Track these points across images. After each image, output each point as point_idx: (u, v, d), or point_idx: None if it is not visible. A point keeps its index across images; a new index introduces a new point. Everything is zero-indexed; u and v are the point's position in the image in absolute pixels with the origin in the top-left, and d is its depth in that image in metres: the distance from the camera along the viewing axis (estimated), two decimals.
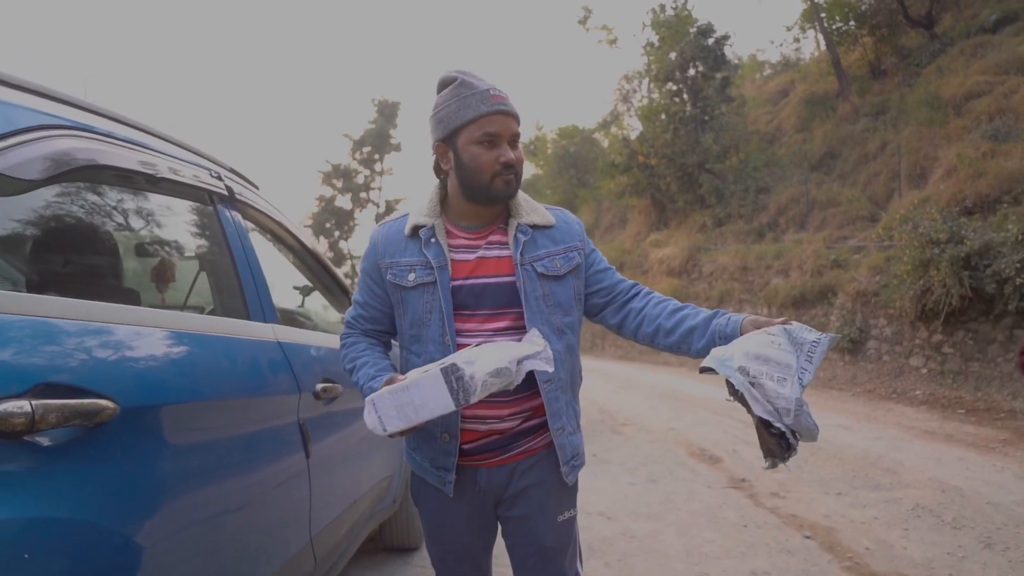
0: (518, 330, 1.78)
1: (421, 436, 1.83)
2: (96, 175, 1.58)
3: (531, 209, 1.88)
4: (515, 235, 1.81)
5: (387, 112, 37.19)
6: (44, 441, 1.14)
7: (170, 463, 1.46)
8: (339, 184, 37.14)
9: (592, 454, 6.24)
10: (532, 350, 1.61)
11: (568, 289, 1.85)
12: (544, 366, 1.61)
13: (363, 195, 37.44)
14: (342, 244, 37.23)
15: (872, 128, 16.06)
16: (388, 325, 1.93)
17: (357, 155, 37.22)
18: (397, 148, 37.42)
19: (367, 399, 1.57)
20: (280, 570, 1.94)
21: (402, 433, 1.57)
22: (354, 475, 2.70)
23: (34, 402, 1.10)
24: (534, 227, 1.84)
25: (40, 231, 1.50)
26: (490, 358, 1.54)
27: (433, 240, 1.78)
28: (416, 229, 1.80)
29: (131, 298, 1.83)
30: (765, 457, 1.55)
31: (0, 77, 1.41)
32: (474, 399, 1.52)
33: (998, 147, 11.27)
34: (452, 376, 1.50)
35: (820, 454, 6.16)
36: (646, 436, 7.53)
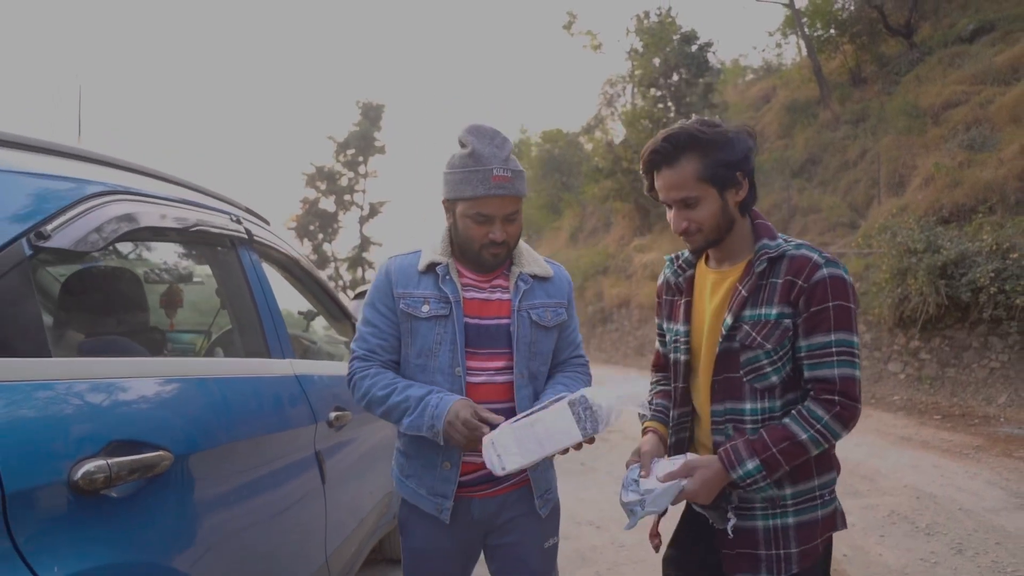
0: (512, 370, 1.93)
1: (419, 464, 1.93)
2: (139, 234, 1.72)
3: (532, 260, 2.03)
4: (516, 282, 1.96)
5: (371, 114, 37.19)
6: (115, 494, 1.27)
7: (211, 501, 1.59)
8: (323, 186, 37.09)
9: (580, 463, 6.39)
10: (637, 390, 1.73)
11: (551, 341, 2.01)
12: (641, 409, 1.75)
13: (347, 197, 37.40)
14: (326, 247, 37.19)
15: (852, 135, 16.31)
16: (398, 355, 1.99)
17: (341, 157, 37.17)
18: (381, 150, 37.41)
19: (485, 439, 1.66)
20: None
21: (519, 471, 1.69)
22: (361, 494, 2.85)
23: (110, 461, 1.23)
24: (534, 277, 2.00)
25: (89, 282, 1.64)
26: (610, 393, 1.67)
27: (448, 277, 1.91)
28: (432, 266, 1.92)
29: (162, 338, 1.97)
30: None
31: (48, 147, 1.53)
32: (601, 429, 1.64)
33: (974, 157, 11.52)
34: (579, 407, 1.61)
35: None
36: (632, 444, 7.64)
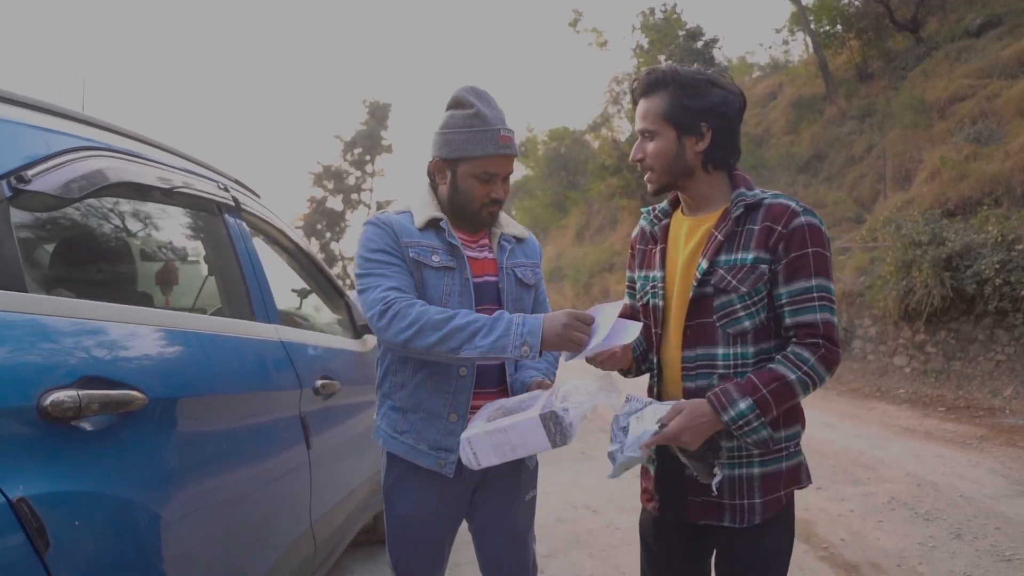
0: None
1: (420, 417, 1.92)
2: (121, 191, 1.74)
3: (508, 222, 2.09)
4: (500, 243, 2.02)
5: (378, 113, 37.28)
6: (87, 426, 1.30)
7: (189, 449, 1.62)
8: (330, 185, 37.20)
9: (580, 451, 6.41)
10: (611, 396, 1.71)
11: (529, 299, 2.07)
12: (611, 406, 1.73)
13: (354, 196, 37.50)
14: (333, 245, 37.28)
15: (858, 131, 16.28)
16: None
17: (348, 156, 37.27)
18: (388, 149, 37.49)
19: (463, 437, 1.69)
20: (284, 551, 2.11)
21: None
22: (350, 467, 2.86)
23: (80, 392, 1.26)
24: (514, 238, 2.07)
25: (74, 241, 1.67)
26: (581, 403, 1.66)
27: (450, 232, 1.93)
28: (435, 221, 1.93)
29: (148, 300, 2.00)
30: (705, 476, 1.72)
31: (37, 104, 1.56)
32: (570, 440, 1.64)
33: (980, 150, 11.49)
34: (551, 422, 1.62)
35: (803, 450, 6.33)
36: None
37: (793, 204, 1.70)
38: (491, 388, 1.98)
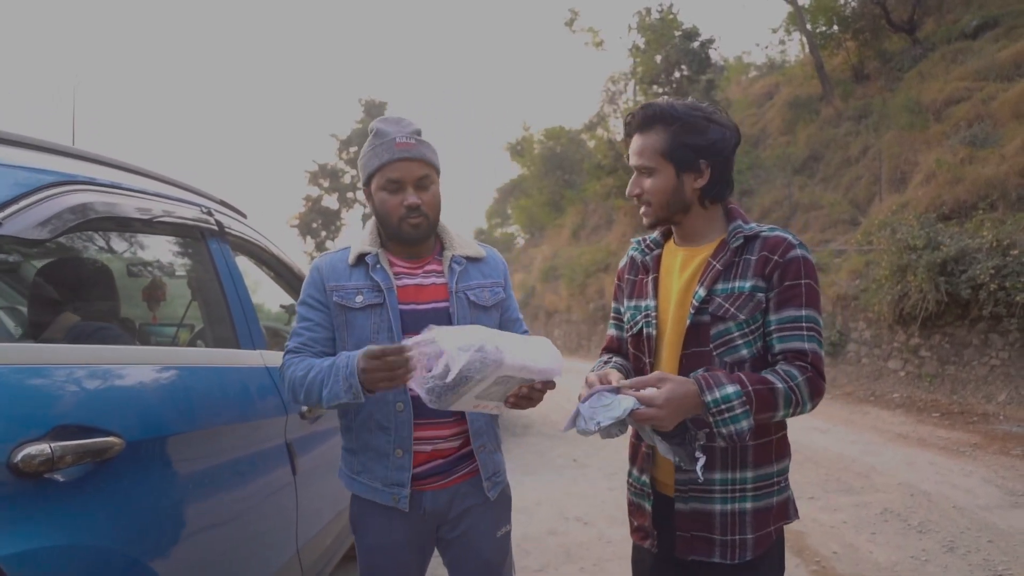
0: None
1: (368, 458, 1.92)
2: (101, 224, 1.71)
3: (463, 242, 2.04)
4: (450, 265, 1.97)
5: (374, 112, 37.13)
6: (61, 478, 1.27)
7: (170, 489, 1.59)
8: (326, 184, 37.11)
9: (572, 459, 6.39)
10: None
11: (491, 322, 1.99)
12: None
13: (350, 195, 37.41)
14: (328, 244, 37.19)
15: (854, 132, 16.24)
16: (333, 349, 1.96)
17: (344, 155, 37.18)
18: None
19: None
20: None
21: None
22: (338, 487, 2.82)
23: (53, 445, 1.23)
24: (467, 259, 2.01)
25: (51, 272, 1.63)
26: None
27: (379, 266, 1.91)
28: (361, 257, 1.93)
29: (129, 330, 1.96)
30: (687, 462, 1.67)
31: (9, 138, 1.53)
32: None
33: (976, 153, 11.45)
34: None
35: (796, 457, 6.30)
36: (627, 441, 7.65)
37: (789, 237, 1.72)
38: (445, 418, 1.90)
